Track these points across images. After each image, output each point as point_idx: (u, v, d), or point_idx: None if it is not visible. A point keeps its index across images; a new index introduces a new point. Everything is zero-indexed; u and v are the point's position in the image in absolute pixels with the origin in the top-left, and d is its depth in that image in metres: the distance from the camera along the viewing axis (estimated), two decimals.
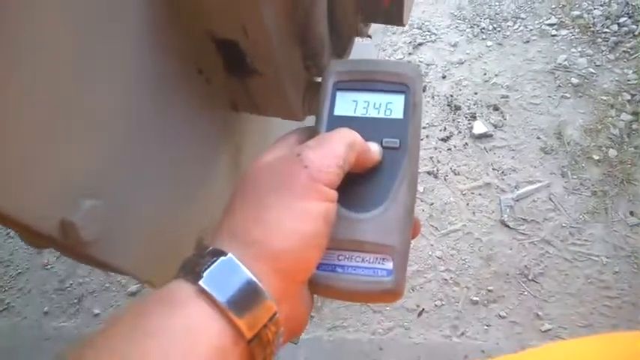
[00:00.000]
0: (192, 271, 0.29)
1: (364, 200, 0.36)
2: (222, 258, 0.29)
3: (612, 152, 1.64)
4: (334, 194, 0.33)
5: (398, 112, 0.39)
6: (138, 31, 0.38)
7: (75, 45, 0.32)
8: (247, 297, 0.28)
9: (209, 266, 0.29)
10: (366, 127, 0.38)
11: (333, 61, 0.42)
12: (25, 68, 0.29)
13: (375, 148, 0.37)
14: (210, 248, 0.31)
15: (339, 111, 0.40)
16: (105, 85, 0.36)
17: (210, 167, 0.52)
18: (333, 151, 0.33)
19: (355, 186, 0.36)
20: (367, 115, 0.39)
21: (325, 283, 0.35)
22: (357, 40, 0.56)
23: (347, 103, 0.40)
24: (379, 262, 0.35)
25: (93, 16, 0.34)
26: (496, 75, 1.82)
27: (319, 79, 0.52)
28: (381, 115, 0.39)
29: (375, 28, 0.56)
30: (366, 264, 0.35)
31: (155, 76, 0.41)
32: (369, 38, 0.57)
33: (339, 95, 0.40)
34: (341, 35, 0.49)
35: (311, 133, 0.39)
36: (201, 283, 0.28)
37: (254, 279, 0.29)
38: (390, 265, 0.35)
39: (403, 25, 0.49)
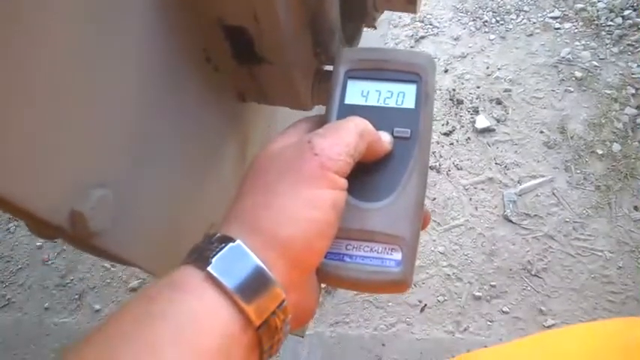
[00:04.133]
0: (201, 257, 0.29)
1: (374, 190, 0.36)
2: (230, 244, 0.29)
3: (616, 146, 1.63)
4: (344, 183, 0.33)
5: (410, 102, 0.39)
6: (146, 19, 0.37)
7: (82, 31, 0.32)
8: (256, 284, 0.28)
9: (217, 252, 0.29)
10: (377, 116, 0.37)
11: (346, 48, 0.41)
12: (31, 54, 0.28)
13: (386, 138, 0.37)
14: (219, 234, 0.30)
15: (350, 99, 0.39)
16: (114, 73, 0.35)
17: (218, 157, 0.51)
18: (344, 140, 0.33)
19: (365, 175, 0.36)
20: (378, 104, 0.39)
21: (333, 272, 0.35)
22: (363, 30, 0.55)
23: (358, 92, 0.39)
24: (388, 253, 0.35)
25: (101, 4, 0.33)
26: (499, 69, 1.81)
27: (328, 68, 0.51)
28: (393, 105, 0.39)
29: (380, 18, 0.55)
30: (374, 254, 0.35)
31: (163, 63, 0.40)
32: (373, 28, 0.56)
33: (351, 83, 0.40)
34: (351, 22, 0.48)
35: (321, 121, 0.39)
36: (210, 269, 0.28)
37: (262, 266, 0.29)
38: (398, 255, 0.35)
39: (415, 13, 0.49)
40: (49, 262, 1.69)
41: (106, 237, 0.34)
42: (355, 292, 1.51)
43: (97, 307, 1.60)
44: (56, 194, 0.31)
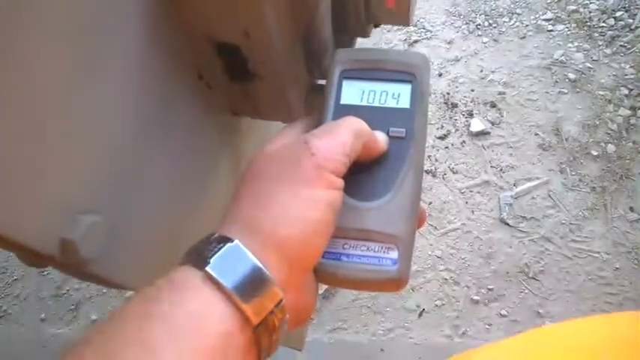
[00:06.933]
0: (199, 257, 0.29)
1: (370, 189, 0.36)
2: (228, 244, 0.29)
3: (611, 148, 1.63)
4: (341, 182, 0.33)
5: (405, 102, 0.39)
6: (136, 38, 0.37)
7: (71, 52, 0.31)
8: (253, 283, 0.29)
9: (216, 252, 0.29)
10: (373, 116, 0.38)
11: (341, 49, 0.41)
12: (16, 77, 0.27)
13: (381, 138, 0.37)
14: (217, 235, 0.30)
15: (345, 100, 0.39)
16: (103, 94, 0.34)
17: (211, 174, 0.51)
18: (340, 139, 0.33)
19: (361, 175, 0.36)
20: (374, 104, 0.39)
21: (330, 271, 0.35)
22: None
23: (354, 92, 0.40)
24: (384, 251, 0.35)
25: (90, 21, 0.32)
26: (492, 72, 1.82)
27: (321, 82, 0.51)
28: (388, 105, 0.39)
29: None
30: (371, 253, 0.35)
31: (155, 83, 0.40)
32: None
33: (346, 84, 0.40)
34: (344, 36, 0.48)
35: (317, 121, 0.39)
36: (208, 269, 0.28)
37: (260, 265, 0.29)
38: (395, 254, 0.35)
39: (408, 25, 0.48)
40: (45, 272, 1.68)
41: (99, 263, 0.34)
42: (353, 298, 1.51)
43: (94, 317, 1.59)
44: (45, 223, 0.30)
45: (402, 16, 0.46)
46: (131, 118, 0.38)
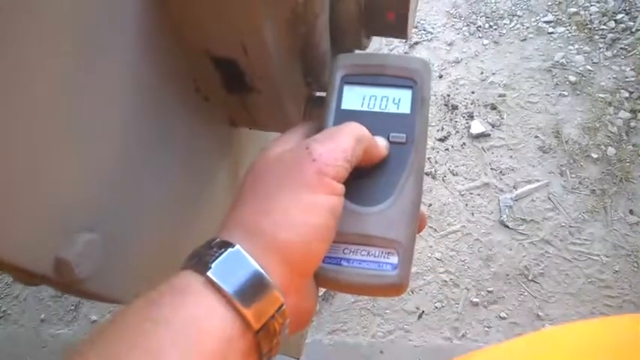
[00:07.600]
0: (200, 261, 0.29)
1: (371, 194, 0.36)
2: (230, 249, 0.29)
3: (611, 150, 1.63)
4: (342, 188, 0.33)
5: (405, 107, 0.39)
6: (134, 51, 0.37)
7: (66, 68, 0.31)
8: (255, 288, 0.29)
9: (217, 258, 0.29)
10: (374, 121, 0.38)
11: (342, 54, 0.41)
12: (10, 91, 0.27)
13: (382, 143, 0.37)
14: (218, 240, 0.31)
15: (346, 105, 0.40)
16: (100, 109, 0.34)
17: (210, 186, 0.51)
18: (341, 145, 0.34)
19: (362, 180, 0.36)
20: (374, 110, 0.39)
21: (331, 276, 0.35)
22: None
23: (354, 97, 0.40)
24: (384, 256, 0.35)
25: (88, 35, 0.32)
26: (493, 74, 1.81)
27: (319, 93, 0.51)
28: (389, 110, 0.39)
29: None
30: (371, 258, 0.35)
31: (152, 98, 0.40)
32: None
33: (347, 89, 0.40)
34: (342, 49, 0.48)
35: (318, 126, 0.39)
36: (209, 274, 0.28)
37: (261, 270, 0.29)
38: (395, 259, 0.35)
39: (406, 39, 0.48)
40: None
41: (94, 281, 0.33)
42: (353, 300, 1.51)
43: (94, 317, 1.59)
44: (39, 242, 0.30)
45: (400, 29, 0.46)
46: (129, 133, 0.38)
